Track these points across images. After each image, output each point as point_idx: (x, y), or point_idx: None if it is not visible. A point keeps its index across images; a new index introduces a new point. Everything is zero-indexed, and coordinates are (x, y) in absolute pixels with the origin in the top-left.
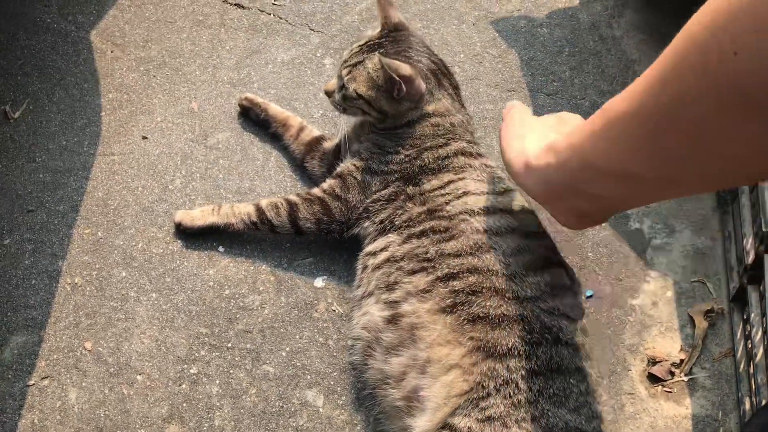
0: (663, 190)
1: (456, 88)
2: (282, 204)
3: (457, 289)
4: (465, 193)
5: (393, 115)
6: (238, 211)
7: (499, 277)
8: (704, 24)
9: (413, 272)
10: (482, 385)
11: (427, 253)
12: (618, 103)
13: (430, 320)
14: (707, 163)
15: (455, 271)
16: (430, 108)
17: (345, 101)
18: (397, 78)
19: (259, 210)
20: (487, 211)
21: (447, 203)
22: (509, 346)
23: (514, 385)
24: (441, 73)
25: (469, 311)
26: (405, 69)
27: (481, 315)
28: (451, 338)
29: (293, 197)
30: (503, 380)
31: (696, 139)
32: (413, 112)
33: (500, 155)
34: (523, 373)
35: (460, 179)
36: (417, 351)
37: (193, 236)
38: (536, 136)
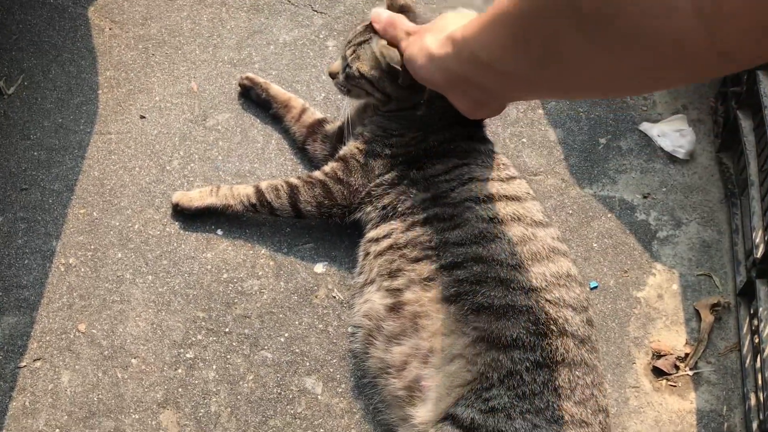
0: (531, 89)
1: None
2: (282, 186)
3: (461, 278)
4: (470, 179)
5: (397, 98)
6: (237, 193)
7: (504, 267)
8: None
9: (417, 260)
10: (486, 376)
11: (431, 241)
12: (501, 1)
13: (434, 309)
14: (558, 71)
15: (459, 260)
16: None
17: (348, 81)
18: (398, 67)
19: (259, 192)
20: (492, 198)
21: (452, 190)
22: (514, 337)
23: (519, 376)
24: None
25: (473, 301)
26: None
27: (485, 305)
28: (455, 328)
29: (294, 180)
30: (507, 371)
31: (548, 46)
32: (418, 95)
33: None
34: (528, 364)
35: (465, 164)
36: (419, 340)
37: (190, 218)
38: (437, 31)
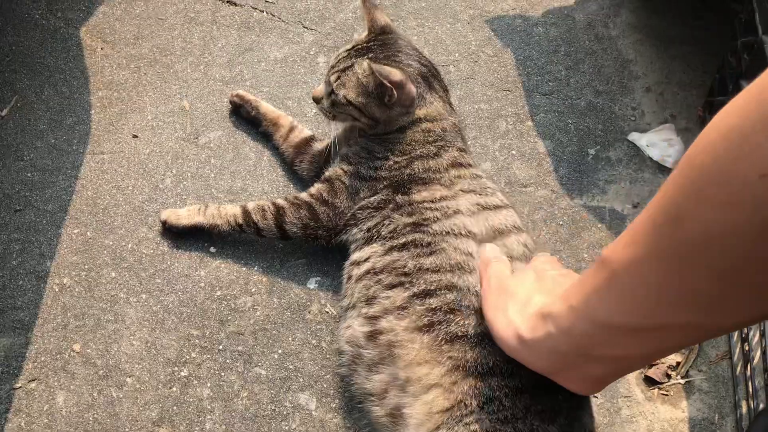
0: (692, 334)
1: (445, 90)
2: (269, 207)
3: (434, 307)
4: (455, 213)
5: (384, 121)
6: (224, 213)
7: (479, 296)
8: (715, 152)
9: (391, 286)
10: (464, 403)
11: (405, 266)
12: (620, 251)
13: (408, 339)
14: (744, 299)
15: (432, 287)
16: (421, 113)
17: (334, 108)
18: (389, 84)
19: (246, 213)
20: (474, 236)
21: (435, 220)
22: (490, 365)
23: (498, 402)
24: (431, 76)
25: (447, 330)
26: (396, 74)
27: (459, 334)
28: (429, 358)
29: (280, 201)
30: (486, 398)
31: (728, 274)
32: (404, 117)
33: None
34: (507, 391)
35: (453, 196)
36: (396, 369)
37: (180, 235)
38: (520, 304)
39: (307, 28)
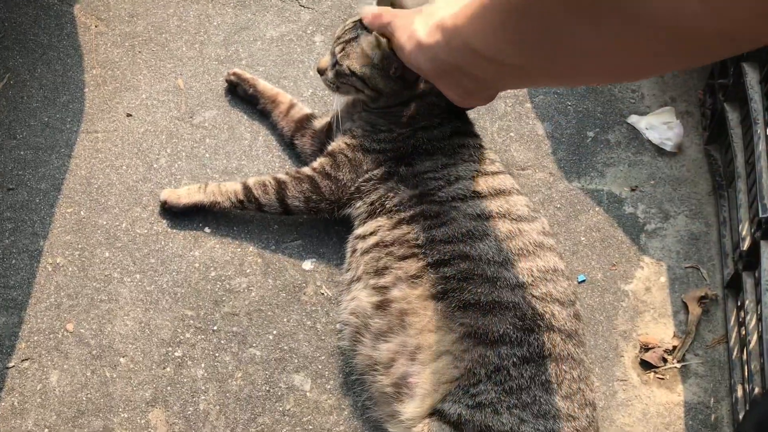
0: (524, 77)
1: None
2: (270, 182)
3: (447, 275)
4: (457, 179)
5: (388, 94)
6: (224, 189)
7: (490, 264)
8: None
9: (404, 258)
10: (473, 372)
11: (417, 239)
12: None
13: (421, 306)
14: (554, 57)
15: (446, 257)
16: (426, 86)
17: (338, 78)
18: (393, 56)
19: (246, 188)
20: (479, 195)
21: (439, 189)
22: (500, 332)
23: (506, 371)
24: None
25: (460, 298)
26: None
27: (472, 302)
28: (442, 324)
29: (282, 175)
30: (494, 367)
31: (543, 32)
32: (408, 90)
33: (487, 135)
34: (515, 359)
35: (453, 164)
36: (407, 337)
37: (178, 215)
38: (424, 15)
39: (303, 6)
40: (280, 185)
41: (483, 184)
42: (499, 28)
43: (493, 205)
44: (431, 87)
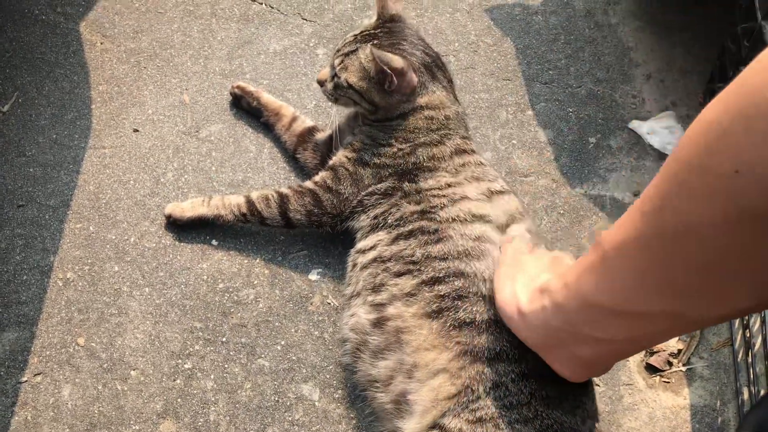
0: (675, 324)
1: (450, 81)
2: (273, 196)
3: (442, 293)
4: (462, 198)
5: (384, 107)
6: (228, 203)
7: (486, 282)
8: (697, 145)
9: (399, 274)
10: (471, 389)
11: (413, 255)
12: (613, 234)
13: (416, 324)
14: (723, 291)
15: (441, 275)
16: (423, 101)
17: (336, 91)
18: (389, 71)
19: (250, 202)
20: (481, 218)
21: (442, 207)
22: (497, 350)
23: (505, 387)
24: (435, 66)
25: (455, 316)
26: (397, 62)
27: (467, 320)
28: (437, 343)
29: (284, 189)
30: (493, 384)
31: (706, 265)
32: (405, 104)
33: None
34: (513, 376)
35: (458, 183)
36: (403, 355)
37: (183, 228)
38: (528, 278)
39: (306, 19)
40: (283, 199)
41: (486, 209)
42: (645, 274)
43: (494, 236)
44: (428, 101)
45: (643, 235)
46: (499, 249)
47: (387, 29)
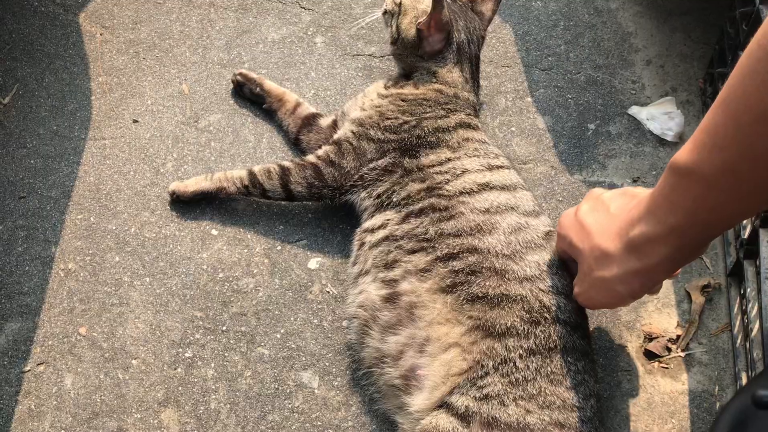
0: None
1: (475, 80)
2: (274, 168)
3: (456, 269)
4: (464, 172)
5: (400, 42)
6: (230, 176)
7: (498, 257)
8: None
9: (413, 251)
10: (481, 364)
11: (426, 233)
12: (707, 158)
13: (430, 299)
14: None
15: (455, 251)
16: (439, 70)
17: (388, 8)
18: (429, 17)
19: (251, 174)
20: (486, 188)
21: (446, 182)
22: (508, 325)
23: (512, 363)
24: (468, 59)
25: (468, 291)
26: (444, 15)
27: (480, 295)
28: (451, 317)
29: (286, 163)
30: (501, 359)
31: None
32: (421, 62)
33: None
34: (521, 352)
35: (458, 158)
36: (415, 330)
37: (188, 204)
38: (602, 230)
39: (304, 8)
40: (284, 171)
41: (490, 179)
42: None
43: (501, 199)
44: (443, 75)
45: (753, 149)
46: (511, 210)
47: (462, 4)
